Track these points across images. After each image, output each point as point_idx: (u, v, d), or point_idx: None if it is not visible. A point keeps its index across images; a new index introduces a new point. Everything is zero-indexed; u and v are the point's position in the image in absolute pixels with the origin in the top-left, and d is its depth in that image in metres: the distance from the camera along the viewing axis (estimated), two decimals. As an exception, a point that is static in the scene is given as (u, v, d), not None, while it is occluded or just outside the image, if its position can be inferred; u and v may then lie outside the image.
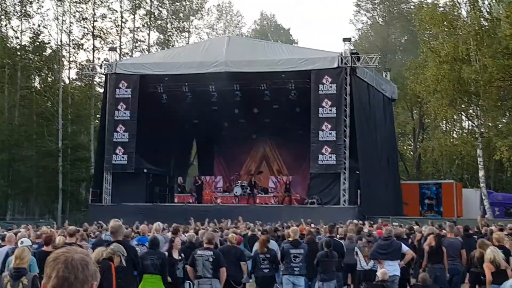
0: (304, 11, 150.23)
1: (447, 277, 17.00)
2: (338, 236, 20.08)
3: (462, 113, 49.58)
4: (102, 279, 9.94)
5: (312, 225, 27.01)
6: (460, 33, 43.69)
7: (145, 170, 44.59)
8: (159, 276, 13.38)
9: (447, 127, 67.81)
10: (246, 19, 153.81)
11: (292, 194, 43.65)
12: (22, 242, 13.66)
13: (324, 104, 40.20)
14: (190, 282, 15.08)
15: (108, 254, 10.43)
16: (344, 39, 41.93)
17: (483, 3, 45.16)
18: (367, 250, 16.90)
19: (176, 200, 44.97)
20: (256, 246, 17.31)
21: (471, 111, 46.76)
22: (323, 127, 40.10)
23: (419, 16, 47.95)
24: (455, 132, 67.64)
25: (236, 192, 43.91)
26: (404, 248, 16.80)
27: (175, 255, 14.73)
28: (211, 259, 13.81)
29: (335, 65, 40.33)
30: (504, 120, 49.54)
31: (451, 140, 61.00)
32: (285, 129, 47.38)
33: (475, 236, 20.60)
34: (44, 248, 14.48)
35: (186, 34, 77.97)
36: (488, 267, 14.38)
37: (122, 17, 68.75)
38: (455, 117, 56.03)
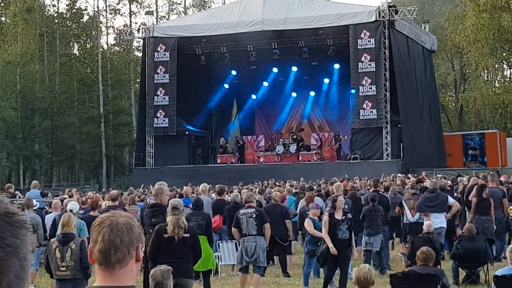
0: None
1: (493, 228, 16.88)
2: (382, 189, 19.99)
3: (504, 61, 48.99)
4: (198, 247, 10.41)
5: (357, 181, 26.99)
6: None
7: (186, 132, 44.86)
8: (205, 236, 13.41)
9: (489, 77, 66.81)
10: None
11: (342, 141, 43.03)
12: (71, 210, 13.77)
13: (363, 59, 39.95)
14: (236, 242, 15.12)
15: (184, 220, 10.58)
16: (381, -8, 41.45)
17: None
18: (412, 202, 16.83)
19: (218, 161, 45.10)
20: (302, 204, 17.39)
21: (512, 59, 46.14)
22: (363, 82, 39.91)
23: (456, -36, 47.17)
24: (497, 81, 66.66)
25: (278, 151, 43.90)
26: (451, 200, 16.75)
27: (338, 215, 13.97)
28: (254, 215, 13.79)
29: (373, 19, 39.96)
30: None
31: (493, 89, 60.18)
32: (324, 85, 47.19)
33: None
34: (91, 213, 14.68)
35: (222, -5, 77.62)
36: None
37: (157, -20, 68.72)
38: (496, 66, 55.32)
